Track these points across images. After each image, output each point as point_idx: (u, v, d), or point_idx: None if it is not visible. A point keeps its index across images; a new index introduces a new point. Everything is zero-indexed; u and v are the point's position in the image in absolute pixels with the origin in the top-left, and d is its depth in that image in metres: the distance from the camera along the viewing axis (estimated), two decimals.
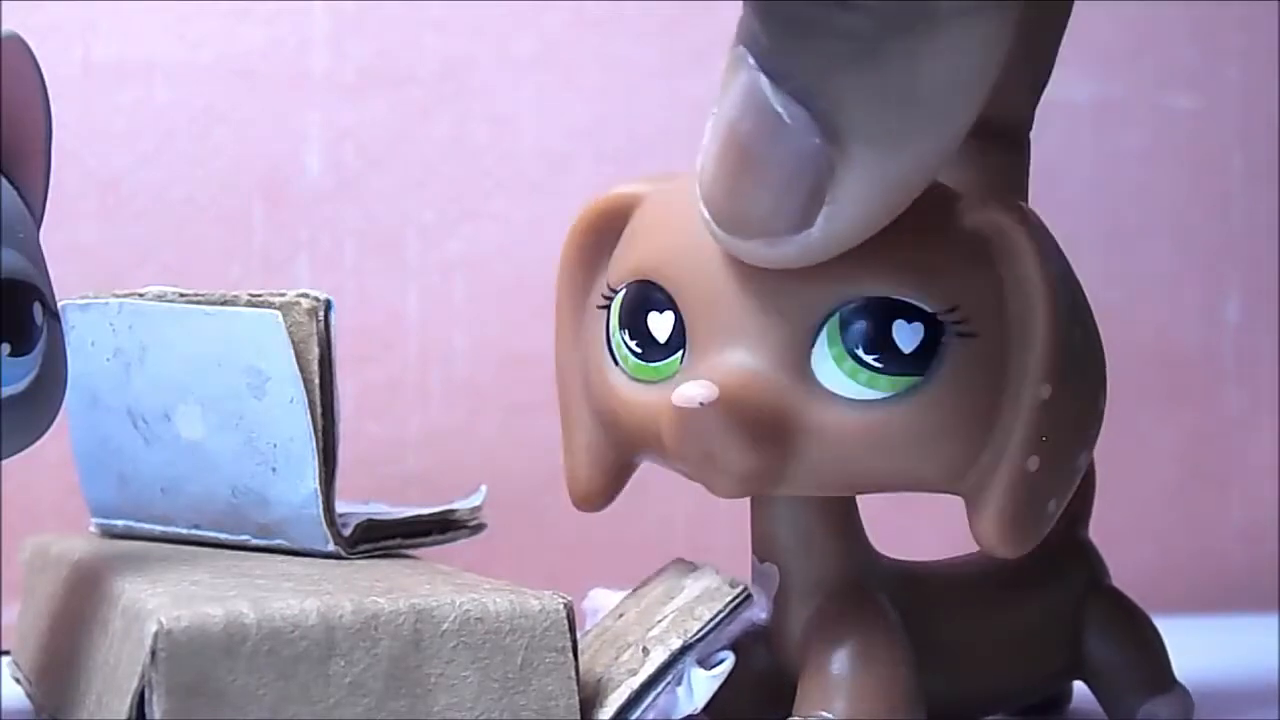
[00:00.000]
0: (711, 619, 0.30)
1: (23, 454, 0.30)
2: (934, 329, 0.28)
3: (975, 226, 0.29)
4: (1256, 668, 0.44)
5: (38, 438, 0.30)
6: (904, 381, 0.28)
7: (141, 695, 0.26)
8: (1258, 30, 0.59)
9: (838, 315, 0.28)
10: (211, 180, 0.51)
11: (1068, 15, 0.34)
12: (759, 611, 0.31)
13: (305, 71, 0.52)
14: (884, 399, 0.28)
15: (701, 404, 0.28)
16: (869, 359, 0.28)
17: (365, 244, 0.52)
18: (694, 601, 0.30)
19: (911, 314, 0.28)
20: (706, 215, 0.28)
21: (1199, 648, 0.50)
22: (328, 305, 0.33)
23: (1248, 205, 0.60)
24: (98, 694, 0.28)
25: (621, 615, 0.32)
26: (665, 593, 0.31)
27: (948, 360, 0.28)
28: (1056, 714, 0.38)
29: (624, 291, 0.31)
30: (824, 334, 0.28)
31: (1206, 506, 0.60)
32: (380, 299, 0.52)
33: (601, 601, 0.33)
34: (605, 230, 0.32)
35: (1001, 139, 0.34)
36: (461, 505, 0.36)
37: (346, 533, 0.33)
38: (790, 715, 0.30)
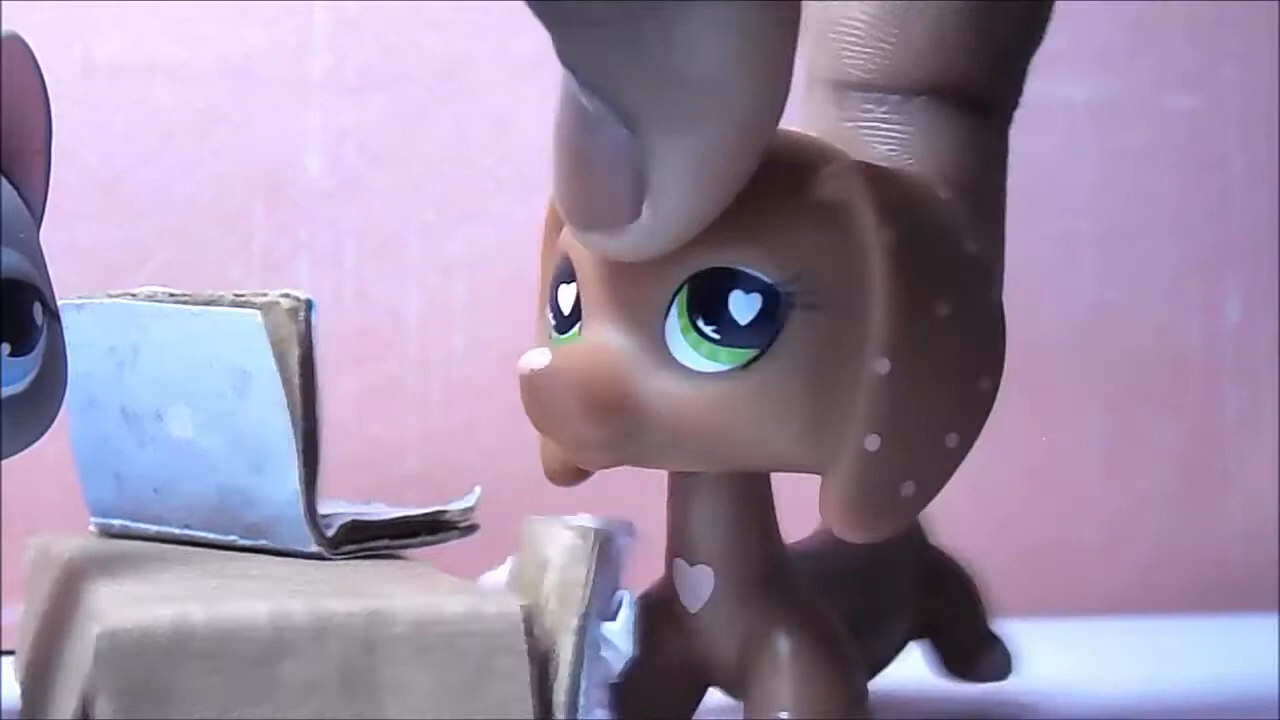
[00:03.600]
0: (589, 578, 0.29)
1: (23, 454, 0.30)
2: (773, 300, 0.28)
3: (826, 193, 0.28)
4: (1256, 668, 0.44)
5: (38, 438, 0.30)
6: (743, 354, 0.28)
7: (89, 697, 0.26)
8: (1257, 30, 0.59)
9: (686, 287, 0.28)
10: (211, 180, 0.51)
11: None
12: (623, 540, 0.31)
13: (305, 71, 0.52)
14: (725, 371, 0.28)
15: (533, 370, 0.28)
16: (708, 330, 0.28)
17: (365, 244, 0.52)
18: (564, 568, 0.30)
19: (749, 284, 0.28)
20: (561, 213, 0.28)
21: (1199, 648, 0.50)
22: (309, 305, 0.33)
23: (1248, 205, 0.60)
24: (58, 695, 0.28)
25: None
26: (538, 570, 0.31)
27: (787, 332, 0.28)
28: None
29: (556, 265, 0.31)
30: (675, 306, 0.28)
31: (1206, 506, 0.60)
32: (380, 299, 0.52)
33: (494, 584, 0.33)
34: None
35: (965, 105, 0.33)
36: (453, 506, 0.36)
37: (330, 533, 0.33)
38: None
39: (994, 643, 0.38)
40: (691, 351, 0.28)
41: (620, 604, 0.30)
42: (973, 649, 0.37)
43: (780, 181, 0.28)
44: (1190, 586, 0.58)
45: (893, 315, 0.28)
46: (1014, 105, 0.34)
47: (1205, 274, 0.60)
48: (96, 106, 0.50)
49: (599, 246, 0.28)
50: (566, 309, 0.30)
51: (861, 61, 0.33)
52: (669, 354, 0.28)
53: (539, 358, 0.28)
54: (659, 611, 0.31)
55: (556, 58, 0.27)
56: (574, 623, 0.29)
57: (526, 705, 0.28)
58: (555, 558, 0.30)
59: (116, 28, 0.50)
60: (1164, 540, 0.59)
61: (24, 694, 0.33)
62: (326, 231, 0.52)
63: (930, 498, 0.29)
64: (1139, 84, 0.59)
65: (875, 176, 0.28)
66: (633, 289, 0.29)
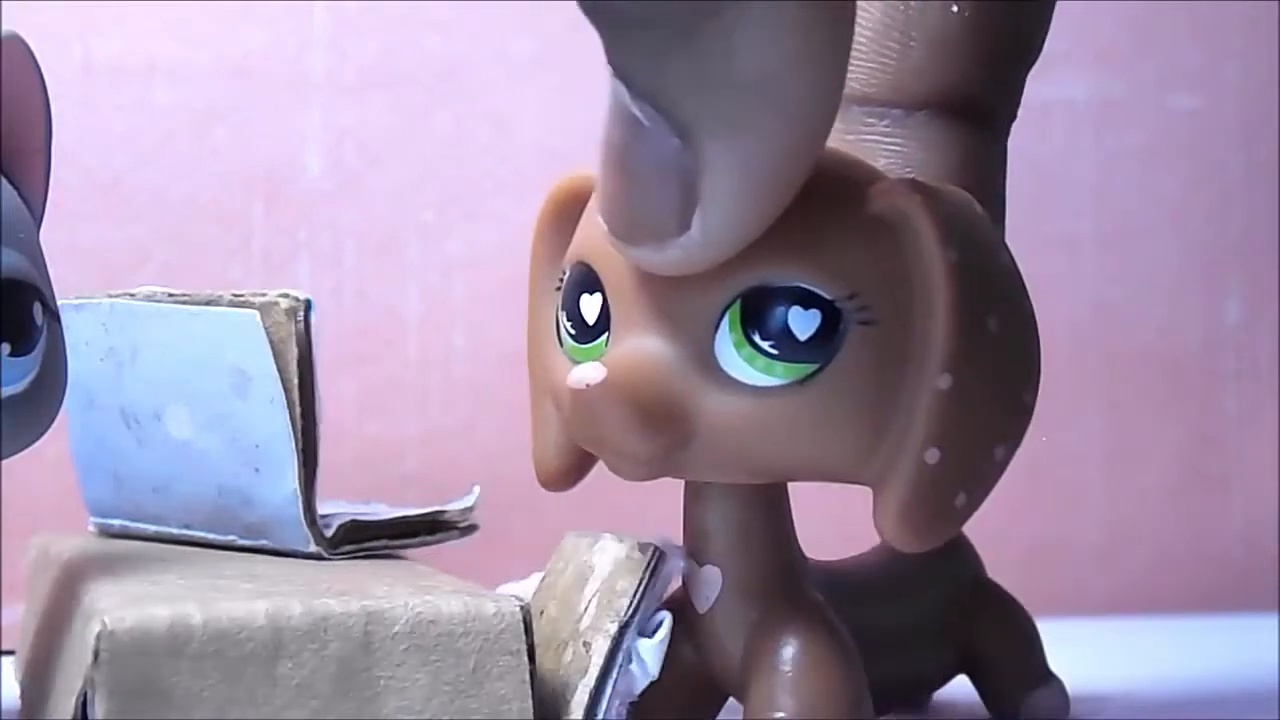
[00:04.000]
0: (636, 590, 0.30)
1: (23, 454, 0.30)
2: (832, 316, 0.28)
3: (879, 211, 0.29)
4: (1256, 668, 0.44)
5: (38, 437, 0.30)
6: (801, 369, 0.28)
7: (87, 696, 0.26)
8: (1258, 30, 0.59)
9: (739, 302, 0.28)
10: (211, 180, 0.51)
11: None
12: (676, 562, 0.31)
13: (305, 71, 0.52)
14: (782, 386, 0.28)
15: (589, 385, 0.28)
16: (765, 345, 0.28)
17: (365, 244, 0.52)
18: (611, 577, 0.30)
19: (808, 300, 0.28)
20: (603, 226, 0.28)
21: (1199, 648, 0.50)
22: (307, 305, 0.33)
23: (1248, 205, 0.60)
24: (56, 695, 0.28)
25: (543, 612, 0.31)
26: (577, 577, 0.31)
27: (846, 348, 0.28)
28: (920, 709, 0.38)
29: (568, 273, 0.31)
30: (725, 320, 0.28)
31: (1206, 506, 0.60)
32: (380, 299, 0.52)
33: (515, 594, 0.33)
34: (566, 212, 0.32)
35: (963, 117, 0.33)
36: (453, 506, 0.36)
37: (329, 533, 0.33)
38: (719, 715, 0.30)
39: (1044, 683, 0.37)
40: (746, 366, 0.28)
41: (660, 624, 0.30)
42: (1021, 687, 0.36)
43: (829, 196, 0.28)
44: (1190, 586, 0.58)
45: (955, 331, 0.28)
46: (1012, 116, 0.34)
47: (1205, 274, 0.60)
48: (96, 106, 0.50)
49: (643, 260, 0.28)
50: (591, 319, 0.30)
51: (863, 76, 0.33)
52: (719, 367, 0.28)
53: (594, 372, 0.28)
54: (672, 613, 0.31)
55: (607, 64, 0.26)
56: (612, 629, 0.29)
57: (525, 705, 0.28)
58: (602, 567, 0.30)
59: (116, 28, 0.50)
60: (1164, 540, 0.59)
61: (23, 693, 0.33)
62: (326, 231, 0.52)
63: (976, 508, 0.29)
64: (1140, 84, 0.59)
65: (931, 194, 0.29)
66: (679, 301, 0.28)
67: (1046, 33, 0.34)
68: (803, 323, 0.28)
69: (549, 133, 0.53)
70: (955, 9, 0.32)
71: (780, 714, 0.29)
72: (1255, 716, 0.39)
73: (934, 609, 0.36)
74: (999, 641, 0.36)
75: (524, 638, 0.28)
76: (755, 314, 0.28)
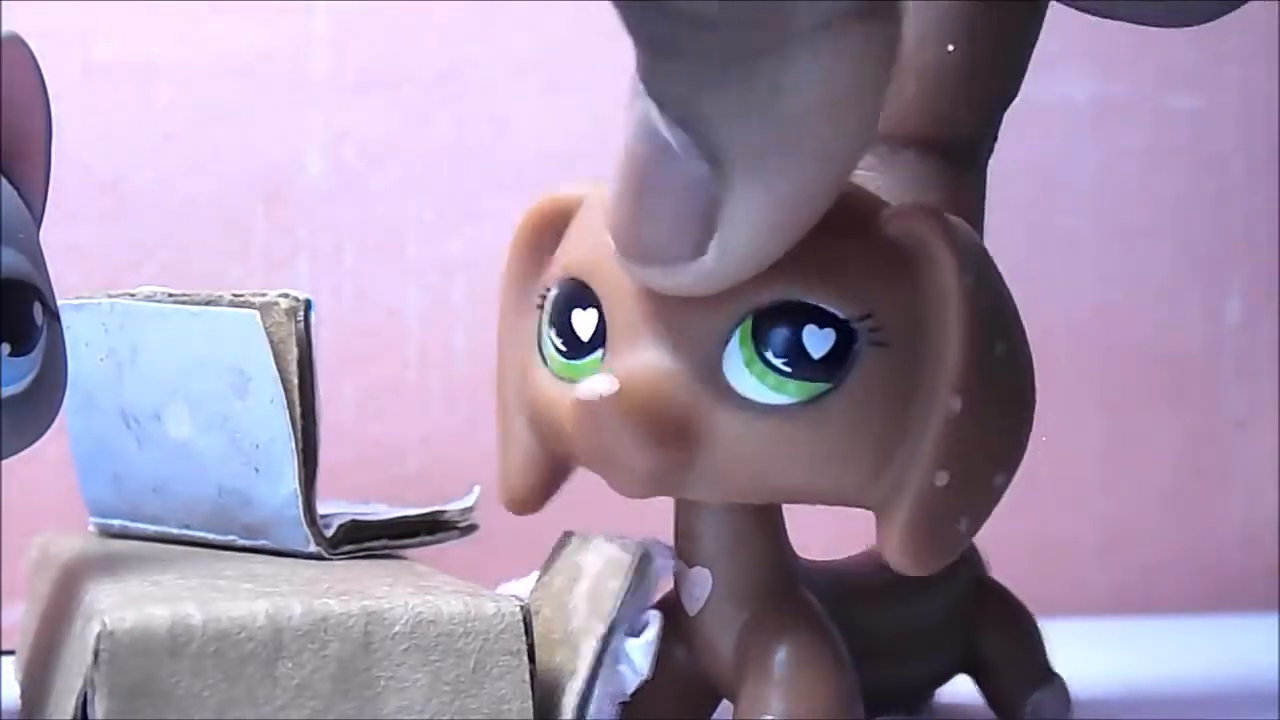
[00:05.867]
0: (624, 590, 0.30)
1: (23, 454, 0.30)
2: (846, 336, 0.28)
3: (895, 235, 0.29)
4: (1256, 668, 0.44)
5: (38, 438, 0.30)
6: (813, 388, 0.28)
7: (86, 696, 0.26)
8: (1258, 31, 0.59)
9: (750, 318, 0.28)
10: (211, 180, 0.51)
11: (1024, 32, 0.34)
12: (664, 562, 0.31)
13: (305, 72, 0.52)
14: (792, 404, 0.28)
15: (601, 397, 0.27)
16: (778, 363, 0.28)
17: (365, 244, 0.52)
18: (600, 578, 0.30)
19: (823, 319, 0.28)
20: (611, 242, 0.28)
21: (1199, 648, 0.50)
22: (307, 305, 0.33)
23: (1248, 205, 0.60)
24: (56, 695, 0.28)
25: (539, 613, 0.31)
26: (569, 578, 0.31)
27: (858, 369, 0.28)
28: (924, 709, 0.38)
29: (555, 290, 0.31)
30: (736, 337, 0.28)
31: (1206, 506, 0.60)
32: (380, 299, 0.52)
33: (514, 593, 0.33)
34: (547, 231, 0.32)
35: (949, 156, 0.33)
36: (453, 506, 0.36)
37: (329, 533, 0.33)
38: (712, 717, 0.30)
39: (1047, 683, 0.37)
40: (757, 383, 0.28)
41: (648, 623, 0.30)
42: (1023, 688, 0.36)
43: (843, 219, 0.28)
44: (1190, 586, 0.58)
45: (969, 355, 0.28)
46: (991, 146, 0.35)
47: (1205, 274, 0.60)
48: (96, 106, 0.50)
49: (650, 280, 0.28)
50: (585, 334, 0.30)
51: None
52: (727, 384, 0.28)
53: (607, 384, 0.27)
54: (663, 614, 0.31)
55: (640, 83, 0.26)
56: (600, 629, 0.29)
57: (524, 705, 0.28)
58: (591, 567, 0.30)
59: (116, 28, 0.50)
60: (1164, 540, 0.59)
61: (23, 693, 0.33)
62: (326, 231, 0.52)
63: (975, 533, 0.29)
64: (1140, 84, 0.59)
65: (945, 220, 0.29)
66: (687, 317, 0.28)
67: (1025, 73, 0.35)
68: (817, 341, 0.28)
69: (549, 133, 0.53)
70: (950, 49, 0.32)
71: (769, 716, 0.29)
72: (1255, 716, 0.39)
73: (936, 609, 0.36)
74: (1001, 641, 0.36)
75: (524, 638, 0.28)
76: (768, 332, 0.28)
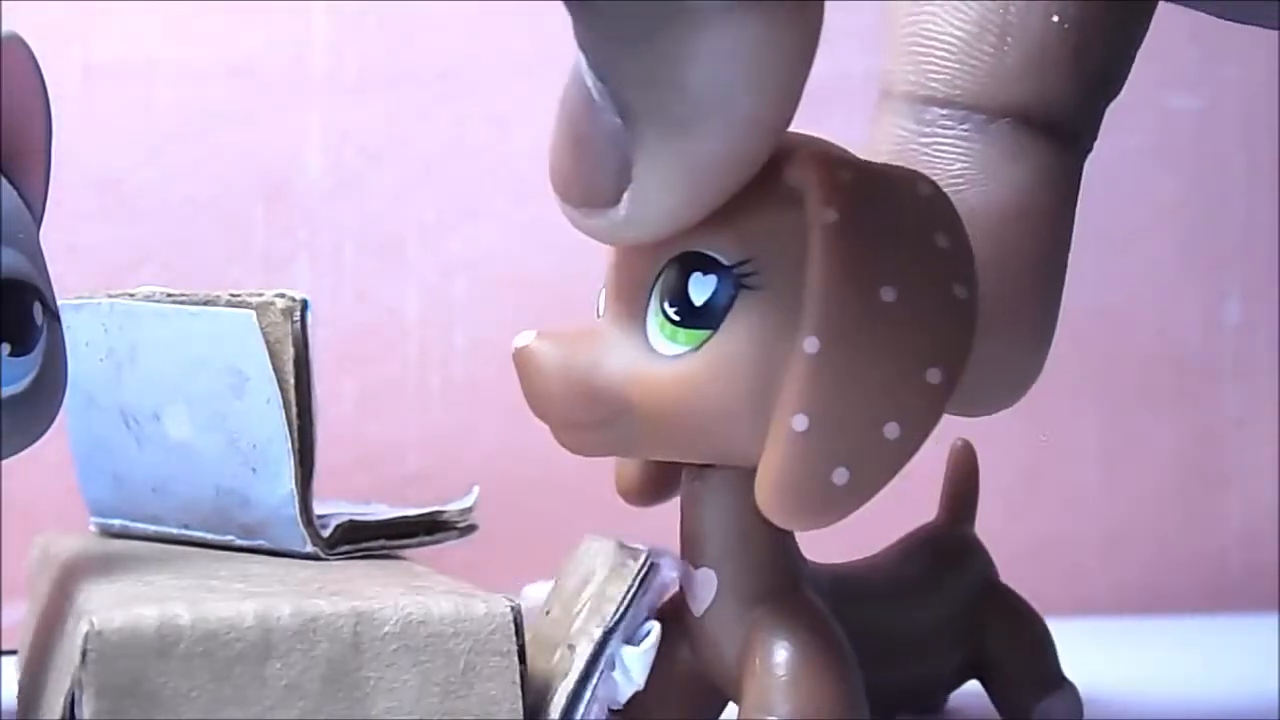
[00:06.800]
0: (625, 597, 0.30)
1: (23, 454, 0.30)
2: (726, 281, 0.28)
3: (787, 178, 0.28)
4: (1256, 668, 0.44)
5: (38, 438, 0.30)
6: (698, 335, 0.28)
7: (75, 696, 0.26)
8: (1258, 31, 0.59)
9: (663, 272, 0.29)
10: (211, 180, 0.51)
11: (1132, 25, 0.33)
12: (669, 572, 0.31)
13: (305, 71, 0.52)
14: (684, 353, 0.28)
15: (515, 348, 0.29)
16: (670, 313, 0.28)
17: (365, 244, 0.52)
18: (604, 583, 0.30)
19: (709, 266, 0.28)
20: (551, 182, 0.29)
21: (1199, 648, 0.50)
22: (304, 305, 0.33)
23: (1248, 205, 0.60)
24: (49, 694, 0.28)
25: (548, 613, 0.31)
26: (580, 580, 0.31)
27: (733, 313, 0.28)
28: (935, 713, 0.38)
29: None
30: (655, 291, 0.29)
31: (1206, 506, 0.60)
32: (380, 299, 0.52)
33: (535, 596, 0.33)
34: None
35: (1047, 133, 0.32)
36: (452, 506, 0.36)
37: (326, 534, 0.33)
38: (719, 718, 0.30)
39: (1057, 688, 0.36)
40: (659, 334, 0.29)
41: (647, 633, 0.30)
42: (1033, 693, 0.36)
43: (761, 170, 0.28)
44: (1190, 586, 0.58)
45: (825, 296, 0.28)
46: (1091, 141, 0.34)
47: (1205, 274, 0.60)
48: (96, 106, 0.50)
49: (575, 223, 0.28)
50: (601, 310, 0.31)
51: (949, 77, 0.32)
52: (645, 338, 0.29)
53: (523, 337, 0.29)
54: (670, 616, 0.31)
55: (573, 35, 0.27)
56: (597, 633, 0.29)
57: (515, 706, 0.28)
58: (599, 571, 0.30)
59: (116, 28, 0.50)
60: (1164, 540, 0.59)
61: (20, 692, 0.33)
62: (326, 231, 0.52)
63: (870, 490, 0.28)
64: (1140, 84, 0.59)
65: (832, 161, 0.28)
66: (627, 276, 0.29)
67: (1129, 71, 0.34)
68: (700, 289, 0.28)
69: (549, 133, 0.53)
70: (1056, 19, 0.32)
71: (772, 717, 0.29)
72: (1255, 717, 0.39)
73: (945, 612, 0.35)
74: (1010, 645, 0.36)
75: (514, 639, 0.28)
76: (669, 283, 0.29)
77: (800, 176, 0.28)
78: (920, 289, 0.28)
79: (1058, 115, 0.32)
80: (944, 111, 0.32)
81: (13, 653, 0.39)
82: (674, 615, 0.31)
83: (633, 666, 0.29)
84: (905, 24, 0.33)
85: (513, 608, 0.28)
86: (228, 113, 0.51)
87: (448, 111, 0.53)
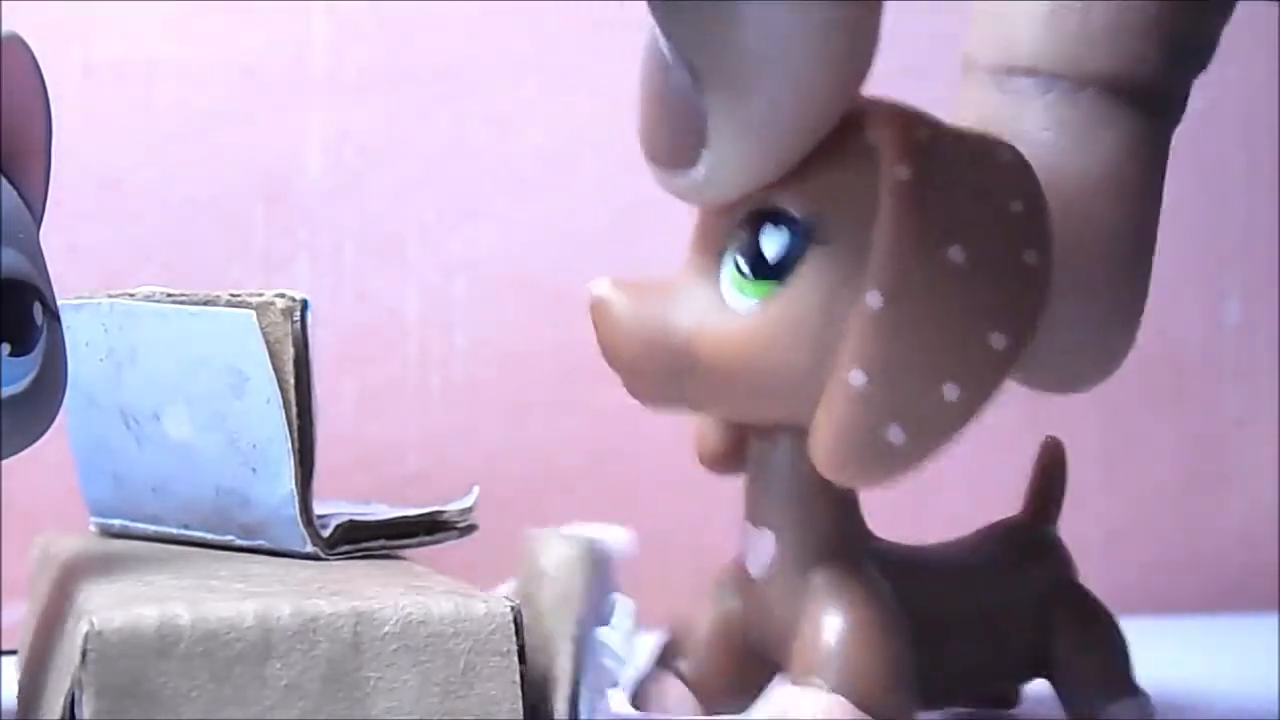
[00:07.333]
0: (584, 585, 0.30)
1: (23, 454, 0.30)
2: (796, 235, 0.28)
3: (866, 136, 0.29)
4: (1256, 668, 0.44)
5: (38, 438, 0.30)
6: (766, 288, 0.28)
7: (75, 696, 0.26)
8: (1257, 31, 0.59)
9: (738, 228, 0.29)
10: (211, 180, 0.51)
11: None
12: (612, 546, 0.31)
13: (305, 71, 0.52)
14: (753, 306, 0.28)
15: (592, 297, 0.30)
16: (743, 265, 0.29)
17: (365, 244, 0.52)
18: (560, 580, 0.30)
19: (781, 220, 0.29)
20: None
21: (1199, 648, 0.50)
22: (304, 305, 0.33)
23: (1249, 205, 0.60)
24: (48, 694, 0.28)
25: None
26: (536, 580, 0.31)
27: (801, 267, 0.28)
28: (1007, 708, 0.37)
29: None
30: (730, 245, 0.29)
31: (1206, 507, 0.60)
32: (380, 299, 0.52)
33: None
34: None
35: (1134, 102, 0.32)
36: (452, 507, 0.36)
37: (326, 534, 0.33)
38: (779, 678, 0.30)
39: (1127, 695, 0.35)
40: (731, 288, 0.29)
41: (614, 609, 0.30)
42: (1101, 697, 0.35)
43: (839, 129, 0.28)
44: (1190, 586, 0.58)
45: (892, 252, 0.28)
46: (1180, 112, 0.33)
47: (1205, 274, 0.60)
48: (96, 106, 0.50)
49: (663, 184, 0.29)
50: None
51: (1034, 46, 0.32)
52: (718, 293, 0.29)
53: (599, 285, 0.30)
54: (729, 575, 0.31)
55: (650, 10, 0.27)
56: (572, 631, 0.29)
57: (515, 706, 0.28)
58: (550, 569, 0.30)
59: (116, 28, 0.50)
60: (1164, 540, 0.59)
61: (20, 692, 0.33)
62: (326, 231, 0.52)
63: (928, 451, 0.28)
64: None
65: (908, 119, 0.29)
66: (706, 230, 0.30)
67: (1217, 45, 0.33)
68: (772, 242, 0.29)
69: (549, 133, 0.53)
70: None
71: (819, 682, 0.29)
72: (1255, 716, 0.39)
73: (1013, 602, 0.34)
74: (1078, 645, 0.35)
75: (514, 638, 0.28)
76: (743, 237, 0.29)
77: (876, 134, 0.29)
78: (990, 252, 0.28)
79: (1144, 83, 0.32)
80: (1030, 80, 0.32)
81: (13, 653, 0.39)
82: (733, 573, 0.31)
83: (619, 647, 0.29)
84: None
85: (513, 608, 0.28)
86: (228, 113, 0.51)
87: (448, 111, 0.53)
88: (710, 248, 0.29)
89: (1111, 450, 0.59)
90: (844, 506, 0.31)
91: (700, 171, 0.28)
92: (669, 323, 0.29)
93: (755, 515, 0.31)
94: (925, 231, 0.28)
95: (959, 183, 0.29)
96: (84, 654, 0.26)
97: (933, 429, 0.28)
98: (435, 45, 0.53)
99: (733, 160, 0.28)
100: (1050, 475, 0.37)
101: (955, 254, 0.28)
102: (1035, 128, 0.32)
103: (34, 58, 0.30)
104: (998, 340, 0.28)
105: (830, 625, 0.30)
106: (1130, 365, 0.60)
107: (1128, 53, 0.32)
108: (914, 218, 0.28)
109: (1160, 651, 0.49)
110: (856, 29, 0.27)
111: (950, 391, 0.28)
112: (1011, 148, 0.30)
